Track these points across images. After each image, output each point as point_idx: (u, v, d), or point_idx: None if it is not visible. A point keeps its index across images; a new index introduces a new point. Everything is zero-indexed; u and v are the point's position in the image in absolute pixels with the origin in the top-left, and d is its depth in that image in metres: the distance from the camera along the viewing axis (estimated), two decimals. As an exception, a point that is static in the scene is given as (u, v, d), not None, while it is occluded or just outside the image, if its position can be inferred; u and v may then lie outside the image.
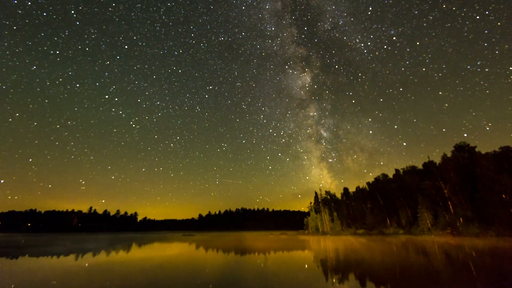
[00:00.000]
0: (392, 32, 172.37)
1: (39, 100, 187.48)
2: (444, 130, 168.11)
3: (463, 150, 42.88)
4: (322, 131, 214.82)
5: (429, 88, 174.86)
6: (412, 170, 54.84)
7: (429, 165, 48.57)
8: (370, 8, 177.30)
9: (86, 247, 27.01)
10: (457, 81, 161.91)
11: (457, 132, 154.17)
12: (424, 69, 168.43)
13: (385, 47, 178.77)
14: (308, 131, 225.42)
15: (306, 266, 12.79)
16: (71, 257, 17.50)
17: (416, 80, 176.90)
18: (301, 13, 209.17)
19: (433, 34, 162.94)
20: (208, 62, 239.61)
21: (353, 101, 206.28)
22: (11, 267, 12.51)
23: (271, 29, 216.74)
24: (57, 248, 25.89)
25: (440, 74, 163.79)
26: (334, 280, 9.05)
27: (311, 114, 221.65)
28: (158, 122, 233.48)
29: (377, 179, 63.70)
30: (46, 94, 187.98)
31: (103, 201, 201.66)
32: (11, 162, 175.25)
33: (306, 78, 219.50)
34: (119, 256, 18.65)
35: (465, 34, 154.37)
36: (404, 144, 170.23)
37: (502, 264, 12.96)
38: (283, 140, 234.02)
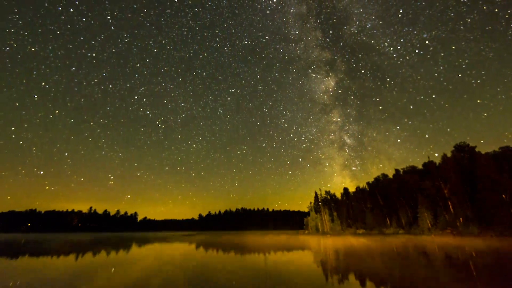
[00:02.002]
0: (425, 35, 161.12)
1: (76, 99, 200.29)
2: (482, 141, 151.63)
3: (463, 150, 42.89)
4: (345, 138, 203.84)
5: (465, 96, 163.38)
6: (412, 170, 54.84)
7: (429, 165, 48.58)
8: (401, 11, 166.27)
9: (90, 247, 27.01)
10: (498, 89, 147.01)
11: (497, 143, 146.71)
12: (460, 75, 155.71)
13: (416, 51, 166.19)
14: (330, 137, 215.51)
15: (306, 266, 12.79)
16: (71, 257, 17.50)
17: (451, 87, 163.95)
18: (327, 16, 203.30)
19: (471, 37, 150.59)
20: (232, 65, 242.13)
21: (380, 108, 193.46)
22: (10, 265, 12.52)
23: (295, 32, 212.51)
24: (55, 248, 25.89)
25: (478, 81, 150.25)
26: (334, 280, 9.05)
27: (334, 119, 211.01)
28: (182, 123, 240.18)
29: (377, 179, 63.71)
30: (83, 93, 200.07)
31: (128, 196, 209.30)
32: (50, 156, 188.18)
33: (330, 82, 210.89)
34: (119, 256, 18.64)
35: (509, 38, 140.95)
36: (436, 155, 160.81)
37: (502, 264, 12.96)
38: (304, 145, 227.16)
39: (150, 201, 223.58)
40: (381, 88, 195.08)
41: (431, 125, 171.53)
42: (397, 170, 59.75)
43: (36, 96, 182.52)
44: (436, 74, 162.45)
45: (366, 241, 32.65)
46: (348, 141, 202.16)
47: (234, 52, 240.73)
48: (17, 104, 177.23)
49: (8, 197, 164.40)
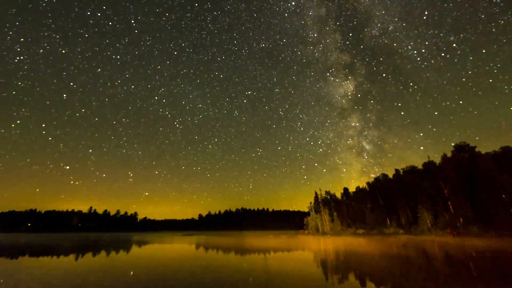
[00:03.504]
0: (452, 38, 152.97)
1: (100, 98, 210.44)
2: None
3: (463, 150, 42.86)
4: (364, 143, 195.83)
5: (496, 103, 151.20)
6: (412, 170, 54.80)
7: (429, 165, 48.56)
8: (426, 13, 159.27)
9: (90, 247, 27.00)
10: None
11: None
12: (491, 80, 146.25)
13: (442, 54, 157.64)
14: (348, 142, 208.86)
15: (306, 266, 12.79)
16: (71, 257, 17.49)
17: (480, 93, 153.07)
18: (347, 18, 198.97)
19: (504, 40, 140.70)
20: (248, 68, 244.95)
21: (402, 113, 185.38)
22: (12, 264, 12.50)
23: (313, 35, 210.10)
24: (54, 249, 25.87)
25: None
26: (334, 280, 9.05)
27: (352, 124, 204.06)
28: (198, 124, 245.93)
29: (377, 179, 63.65)
30: (107, 93, 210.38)
31: (146, 193, 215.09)
32: (75, 152, 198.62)
33: (349, 86, 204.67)
34: (119, 256, 18.64)
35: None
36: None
37: (502, 264, 12.95)
38: (321, 149, 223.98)
39: (165, 199, 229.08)
40: (404, 93, 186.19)
41: (457, 132, 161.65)
42: (397, 170, 59.68)
43: (64, 96, 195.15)
44: (464, 79, 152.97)
45: (366, 241, 32.64)
46: (367, 147, 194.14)
47: (251, 54, 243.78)
48: (48, 103, 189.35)
49: (37, 190, 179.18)
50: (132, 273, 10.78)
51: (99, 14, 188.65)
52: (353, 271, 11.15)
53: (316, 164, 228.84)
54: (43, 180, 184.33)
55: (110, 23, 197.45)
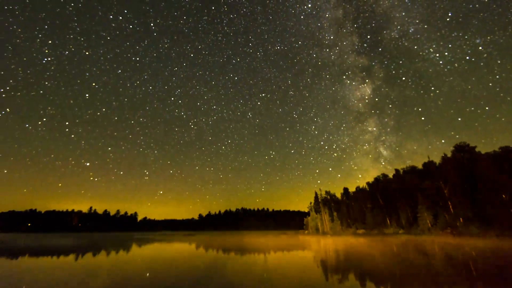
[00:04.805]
0: (478, 41, 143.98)
1: (120, 98, 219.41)
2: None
3: (463, 150, 42.86)
4: (381, 149, 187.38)
5: None
6: (412, 170, 54.81)
7: (429, 165, 48.60)
8: (450, 14, 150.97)
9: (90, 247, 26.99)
10: None
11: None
12: None
13: (467, 58, 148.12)
14: (364, 147, 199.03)
15: (306, 266, 12.79)
16: (71, 257, 17.50)
17: (508, 99, 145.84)
18: (365, 21, 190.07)
19: None
20: (263, 70, 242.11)
21: (423, 118, 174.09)
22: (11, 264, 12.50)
23: (330, 37, 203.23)
24: (54, 248, 25.90)
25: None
26: (334, 280, 9.05)
27: (369, 129, 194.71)
28: (212, 125, 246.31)
29: (377, 179, 63.67)
30: (126, 94, 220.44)
31: (161, 192, 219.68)
32: (95, 149, 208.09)
33: (366, 89, 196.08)
34: (119, 256, 18.64)
35: None
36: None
37: (502, 264, 12.96)
38: (335, 154, 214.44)
39: (182, 196, 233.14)
40: (424, 97, 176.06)
41: (483, 140, 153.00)
42: (397, 170, 59.70)
43: (87, 95, 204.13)
44: (490, 84, 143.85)
45: (366, 241, 32.65)
46: (384, 152, 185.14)
47: (266, 57, 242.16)
48: (71, 102, 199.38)
49: (60, 184, 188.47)
50: (133, 273, 10.78)
51: (120, 18, 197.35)
52: (353, 271, 11.16)
53: (330, 169, 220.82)
54: (65, 174, 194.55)
55: (131, 26, 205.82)
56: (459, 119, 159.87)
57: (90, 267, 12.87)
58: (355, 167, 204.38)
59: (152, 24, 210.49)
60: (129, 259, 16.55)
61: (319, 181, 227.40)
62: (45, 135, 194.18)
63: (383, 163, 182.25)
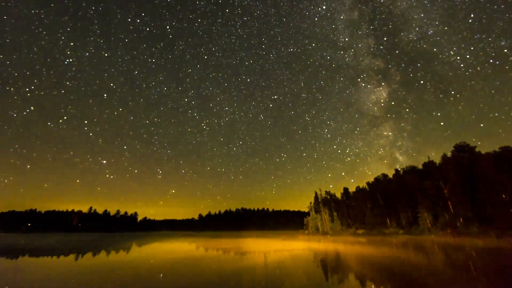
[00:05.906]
0: (503, 43, 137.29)
1: (136, 99, 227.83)
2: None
3: (463, 150, 42.85)
4: (397, 155, 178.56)
5: None
6: (412, 170, 54.81)
7: (429, 165, 48.59)
8: (472, 15, 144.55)
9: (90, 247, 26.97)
10: None
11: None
12: None
13: (491, 61, 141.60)
14: (379, 152, 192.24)
15: (306, 266, 12.79)
16: (71, 257, 17.49)
17: None
18: (381, 22, 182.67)
19: None
20: (276, 72, 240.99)
21: (442, 123, 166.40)
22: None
23: (345, 39, 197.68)
24: (55, 249, 25.88)
25: None
26: (334, 280, 9.05)
27: (385, 133, 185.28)
28: (224, 126, 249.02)
29: (377, 179, 63.66)
30: (142, 94, 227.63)
31: (173, 191, 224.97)
32: (112, 147, 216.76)
33: (382, 93, 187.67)
34: (119, 256, 18.64)
35: None
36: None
37: (502, 264, 12.96)
38: (349, 158, 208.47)
39: (191, 198, 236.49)
40: (444, 102, 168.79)
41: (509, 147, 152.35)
42: (397, 170, 59.71)
43: (105, 95, 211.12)
44: None
45: (366, 241, 32.65)
46: (400, 158, 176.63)
47: (279, 59, 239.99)
48: (90, 101, 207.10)
49: (78, 181, 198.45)
50: (133, 273, 10.78)
51: (138, 20, 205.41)
52: (353, 271, 11.15)
53: (343, 173, 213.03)
54: (82, 171, 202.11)
55: (148, 29, 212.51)
56: (481, 125, 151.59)
57: (90, 267, 12.87)
58: (369, 172, 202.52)
59: (168, 27, 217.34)
60: (129, 259, 16.54)
61: (331, 186, 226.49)
62: (65, 133, 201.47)
63: (399, 169, 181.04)
